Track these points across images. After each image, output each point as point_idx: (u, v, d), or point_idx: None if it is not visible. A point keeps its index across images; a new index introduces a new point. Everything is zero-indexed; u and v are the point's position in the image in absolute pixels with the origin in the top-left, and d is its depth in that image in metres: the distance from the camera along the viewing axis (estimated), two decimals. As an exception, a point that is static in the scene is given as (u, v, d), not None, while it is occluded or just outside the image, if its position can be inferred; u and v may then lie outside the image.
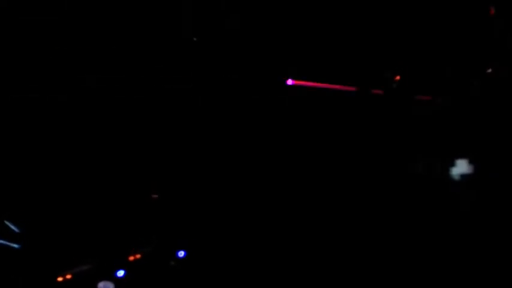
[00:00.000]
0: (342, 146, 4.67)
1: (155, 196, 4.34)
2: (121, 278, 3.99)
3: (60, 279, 3.87)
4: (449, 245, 4.32)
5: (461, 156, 4.54)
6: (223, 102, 4.60)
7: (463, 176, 4.50)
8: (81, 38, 4.39)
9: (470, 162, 4.50)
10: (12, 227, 3.98)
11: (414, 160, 4.63)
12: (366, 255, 4.37)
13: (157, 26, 4.51)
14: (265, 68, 4.71)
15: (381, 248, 4.39)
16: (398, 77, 4.74)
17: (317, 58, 4.76)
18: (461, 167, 4.52)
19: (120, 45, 4.46)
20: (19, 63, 4.29)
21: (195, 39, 4.58)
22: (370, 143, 4.69)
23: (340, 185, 4.59)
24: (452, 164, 4.54)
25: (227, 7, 4.63)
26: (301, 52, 4.72)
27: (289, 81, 4.72)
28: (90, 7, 4.38)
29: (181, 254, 4.19)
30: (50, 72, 4.33)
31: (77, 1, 4.36)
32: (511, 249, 4.22)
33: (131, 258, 4.06)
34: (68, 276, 3.89)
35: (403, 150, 4.65)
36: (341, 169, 4.63)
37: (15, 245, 3.93)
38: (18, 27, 4.26)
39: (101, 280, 3.94)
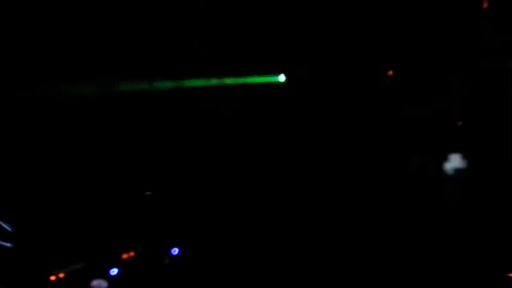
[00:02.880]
0: (337, 143, 4.67)
1: (148, 193, 4.33)
2: (114, 276, 3.98)
3: (53, 278, 3.86)
4: (444, 240, 4.32)
5: (455, 151, 4.54)
6: (215, 102, 4.60)
7: (457, 171, 4.51)
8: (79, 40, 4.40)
9: (464, 156, 4.50)
10: (5, 226, 3.97)
11: (409, 157, 4.63)
12: (362, 252, 4.36)
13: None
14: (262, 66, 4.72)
15: (378, 244, 4.39)
16: (391, 72, 4.74)
17: (312, 56, 4.76)
18: (454, 162, 4.53)
19: (118, 47, 4.46)
20: (17, 64, 4.29)
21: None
22: (365, 140, 4.69)
23: (335, 181, 4.58)
24: (446, 159, 4.55)
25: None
26: (297, 50, 4.72)
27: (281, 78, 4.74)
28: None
29: (174, 251, 4.19)
30: (47, 72, 4.33)
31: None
32: (506, 242, 4.22)
33: (125, 256, 4.05)
34: (61, 275, 3.87)
35: (398, 146, 4.65)
36: (336, 166, 4.62)
37: (8, 244, 3.92)
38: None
39: (94, 278, 3.93)
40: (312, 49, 4.70)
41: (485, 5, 4.43)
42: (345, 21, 4.69)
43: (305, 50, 4.69)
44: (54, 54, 4.33)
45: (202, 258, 4.24)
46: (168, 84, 4.50)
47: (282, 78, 4.78)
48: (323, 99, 4.75)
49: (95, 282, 3.93)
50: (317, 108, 4.73)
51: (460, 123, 4.60)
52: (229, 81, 4.61)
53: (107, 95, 4.36)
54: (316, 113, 4.72)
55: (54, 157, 4.28)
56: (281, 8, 4.62)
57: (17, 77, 4.24)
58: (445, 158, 4.55)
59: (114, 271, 3.98)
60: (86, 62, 4.37)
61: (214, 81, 4.57)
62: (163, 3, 4.51)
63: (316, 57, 4.72)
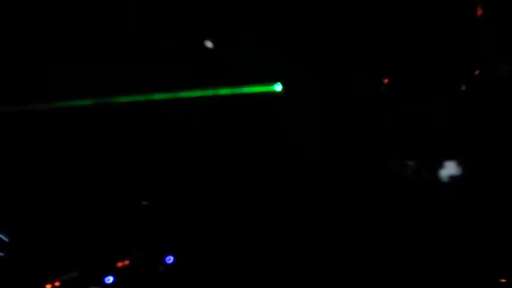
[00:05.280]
0: (331, 149, 4.67)
1: (144, 203, 4.33)
2: (110, 284, 3.98)
3: (48, 286, 3.86)
4: (440, 248, 4.33)
5: (450, 158, 4.55)
6: (209, 109, 4.60)
7: (452, 178, 4.51)
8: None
9: (460, 163, 4.51)
10: (-1, 234, 3.96)
11: (402, 163, 4.64)
12: (357, 260, 4.37)
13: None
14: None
15: (373, 251, 4.40)
16: (386, 80, 4.74)
17: (308, 61, 4.76)
18: (450, 169, 4.53)
19: (113, 48, 4.45)
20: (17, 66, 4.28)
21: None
22: (359, 146, 4.69)
23: (331, 188, 4.58)
24: (441, 166, 4.55)
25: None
26: (292, 55, 4.72)
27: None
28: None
29: (169, 259, 4.18)
30: (44, 74, 4.32)
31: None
32: (503, 250, 4.23)
33: (120, 264, 4.05)
34: (56, 284, 3.87)
35: (391, 153, 4.65)
36: (330, 173, 4.62)
37: (1, 253, 3.90)
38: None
39: (89, 286, 3.93)
40: (310, 55, 4.70)
41: (480, 12, 4.44)
42: (341, 27, 4.70)
43: (303, 57, 4.69)
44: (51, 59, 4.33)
45: (198, 267, 4.23)
46: (162, 95, 4.50)
47: (278, 88, 4.78)
48: (321, 109, 4.75)
49: (90, 291, 3.93)
50: (314, 118, 4.73)
51: (455, 129, 4.61)
52: (224, 91, 4.61)
53: (103, 104, 4.36)
54: (313, 122, 4.72)
55: (48, 165, 4.27)
56: (279, 12, 4.63)
57: (15, 83, 4.25)
58: (440, 165, 4.56)
59: (109, 279, 3.98)
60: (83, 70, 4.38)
61: (209, 92, 4.58)
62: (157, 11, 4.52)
63: (315, 65, 4.72)
